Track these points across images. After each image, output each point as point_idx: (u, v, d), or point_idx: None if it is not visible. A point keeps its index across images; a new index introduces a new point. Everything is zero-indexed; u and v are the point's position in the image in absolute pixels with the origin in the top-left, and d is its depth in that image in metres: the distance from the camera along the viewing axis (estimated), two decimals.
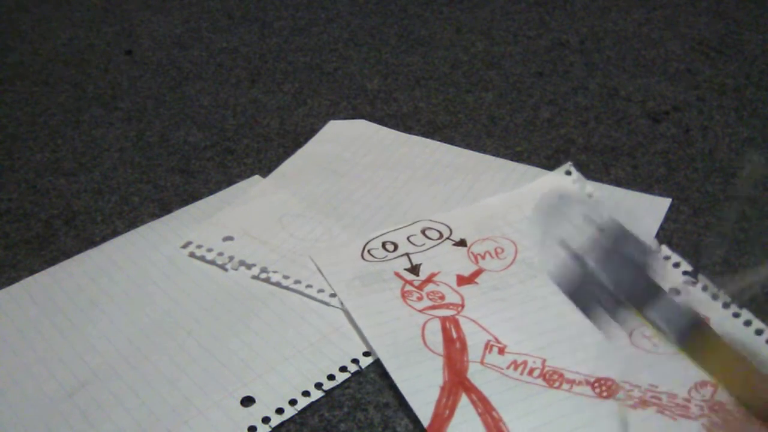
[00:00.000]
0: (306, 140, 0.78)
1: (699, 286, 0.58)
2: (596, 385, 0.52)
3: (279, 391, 0.53)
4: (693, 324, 0.45)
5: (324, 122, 0.81)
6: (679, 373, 0.52)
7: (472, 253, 0.63)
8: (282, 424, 0.51)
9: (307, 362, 0.55)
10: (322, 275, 0.62)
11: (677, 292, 0.58)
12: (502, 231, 0.65)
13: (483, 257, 0.63)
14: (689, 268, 0.60)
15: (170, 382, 0.54)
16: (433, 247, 0.64)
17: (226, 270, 0.63)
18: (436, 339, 0.55)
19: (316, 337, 0.57)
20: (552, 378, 0.52)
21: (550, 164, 0.74)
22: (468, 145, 0.77)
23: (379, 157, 0.76)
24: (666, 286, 0.57)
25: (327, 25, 1.01)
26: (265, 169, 0.74)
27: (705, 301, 0.57)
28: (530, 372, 0.53)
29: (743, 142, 0.76)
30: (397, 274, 0.61)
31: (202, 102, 0.86)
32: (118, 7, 1.07)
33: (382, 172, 0.74)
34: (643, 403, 0.50)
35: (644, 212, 0.67)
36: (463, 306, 0.58)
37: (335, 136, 0.79)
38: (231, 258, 0.64)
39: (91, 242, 0.66)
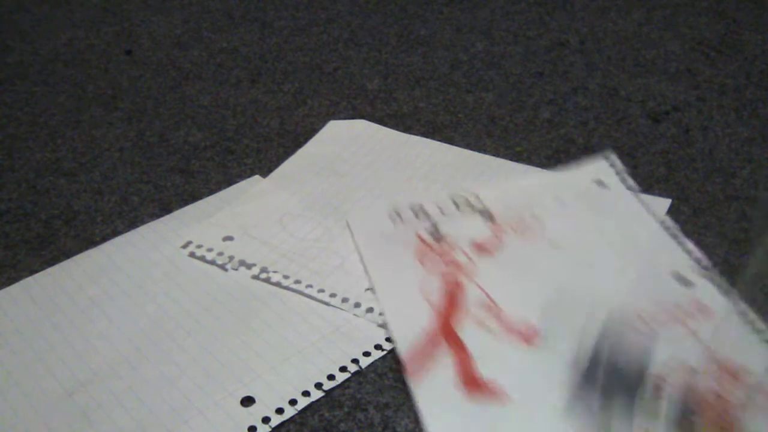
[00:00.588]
0: (306, 140, 0.78)
1: (709, 279, 0.59)
2: None
3: (279, 391, 0.53)
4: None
5: (324, 122, 0.81)
6: (659, 354, 0.54)
7: (496, 225, 0.65)
8: (282, 424, 0.51)
9: (307, 362, 0.55)
10: (350, 230, 0.65)
11: (687, 280, 0.59)
12: (531, 210, 0.67)
13: (506, 231, 0.65)
14: (705, 262, 0.61)
15: (170, 382, 0.54)
16: (460, 216, 0.67)
17: (226, 270, 0.63)
18: (436, 295, 0.59)
19: (316, 337, 0.57)
20: (533, 341, 0.55)
21: (550, 164, 0.74)
22: (468, 145, 0.77)
23: (379, 158, 0.76)
24: (678, 275, 0.60)
25: (327, 25, 1.01)
26: (265, 169, 0.74)
27: (712, 292, 0.58)
28: (515, 332, 0.56)
29: (743, 142, 0.76)
30: (418, 236, 0.65)
31: (202, 102, 0.86)
32: (118, 7, 1.07)
33: (383, 172, 0.74)
34: None
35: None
36: (472, 271, 0.61)
37: (335, 136, 0.79)
38: (231, 258, 0.64)
39: (91, 242, 0.66)
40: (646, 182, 0.71)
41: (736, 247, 0.63)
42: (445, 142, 0.77)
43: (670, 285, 0.59)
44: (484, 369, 0.53)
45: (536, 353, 0.54)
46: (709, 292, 0.59)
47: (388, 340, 0.56)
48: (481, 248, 0.63)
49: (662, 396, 0.48)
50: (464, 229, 0.65)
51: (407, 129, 0.80)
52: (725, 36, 0.95)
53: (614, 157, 0.72)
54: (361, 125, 0.81)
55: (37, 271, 0.63)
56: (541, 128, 0.79)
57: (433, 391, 0.52)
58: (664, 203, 0.69)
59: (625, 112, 0.81)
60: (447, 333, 0.56)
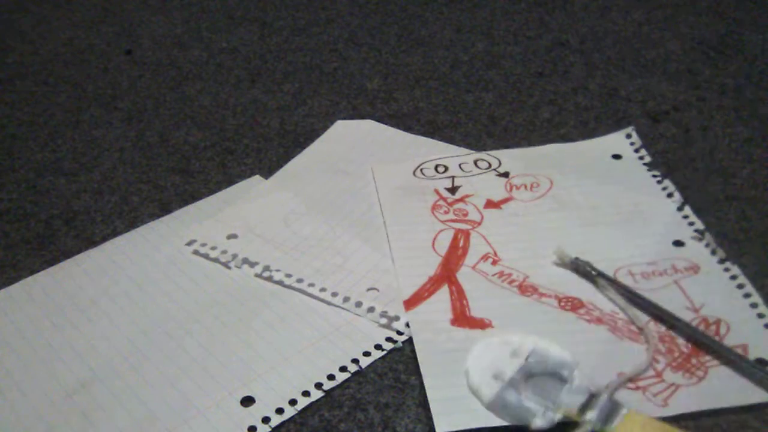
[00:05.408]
0: (306, 140, 0.78)
1: (703, 242, 0.63)
2: (563, 301, 0.58)
3: (279, 391, 0.53)
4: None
5: (324, 122, 0.81)
6: (644, 309, 0.57)
7: (510, 183, 0.70)
8: (282, 424, 0.51)
9: (307, 362, 0.55)
10: (374, 180, 0.70)
11: (682, 243, 0.63)
12: (546, 171, 0.71)
13: (518, 188, 0.69)
14: (701, 227, 0.64)
15: (170, 382, 0.54)
16: (478, 174, 0.71)
17: (229, 268, 0.63)
18: (444, 244, 0.63)
19: (316, 337, 0.57)
20: (527, 290, 0.59)
21: None
22: (468, 145, 0.77)
23: (386, 158, 0.75)
24: (674, 237, 0.64)
25: (327, 25, 1.01)
26: (265, 169, 0.74)
27: (704, 253, 0.62)
28: (511, 282, 0.60)
29: (743, 142, 0.76)
30: (436, 191, 0.69)
31: (202, 102, 0.86)
32: (118, 7, 1.07)
33: None
34: (598, 321, 0.56)
35: None
36: (480, 224, 0.66)
37: (342, 135, 0.79)
38: (234, 256, 0.64)
39: (91, 242, 0.66)
40: None
41: (736, 247, 0.63)
42: (445, 142, 0.77)
43: (667, 249, 0.62)
44: (475, 310, 0.57)
45: (525, 300, 0.58)
46: (699, 251, 0.62)
47: (388, 339, 0.56)
48: (490, 202, 0.68)
49: None
50: (481, 188, 0.69)
51: (407, 129, 0.80)
52: (725, 36, 0.95)
53: (635, 133, 0.75)
54: (368, 125, 0.81)
55: (37, 271, 0.63)
56: (541, 128, 0.79)
57: (425, 321, 0.57)
58: None
59: (625, 112, 0.81)
60: (448, 277, 0.60)
